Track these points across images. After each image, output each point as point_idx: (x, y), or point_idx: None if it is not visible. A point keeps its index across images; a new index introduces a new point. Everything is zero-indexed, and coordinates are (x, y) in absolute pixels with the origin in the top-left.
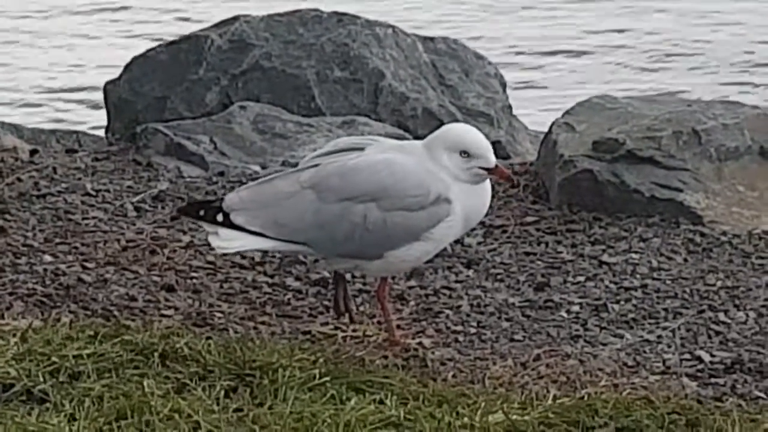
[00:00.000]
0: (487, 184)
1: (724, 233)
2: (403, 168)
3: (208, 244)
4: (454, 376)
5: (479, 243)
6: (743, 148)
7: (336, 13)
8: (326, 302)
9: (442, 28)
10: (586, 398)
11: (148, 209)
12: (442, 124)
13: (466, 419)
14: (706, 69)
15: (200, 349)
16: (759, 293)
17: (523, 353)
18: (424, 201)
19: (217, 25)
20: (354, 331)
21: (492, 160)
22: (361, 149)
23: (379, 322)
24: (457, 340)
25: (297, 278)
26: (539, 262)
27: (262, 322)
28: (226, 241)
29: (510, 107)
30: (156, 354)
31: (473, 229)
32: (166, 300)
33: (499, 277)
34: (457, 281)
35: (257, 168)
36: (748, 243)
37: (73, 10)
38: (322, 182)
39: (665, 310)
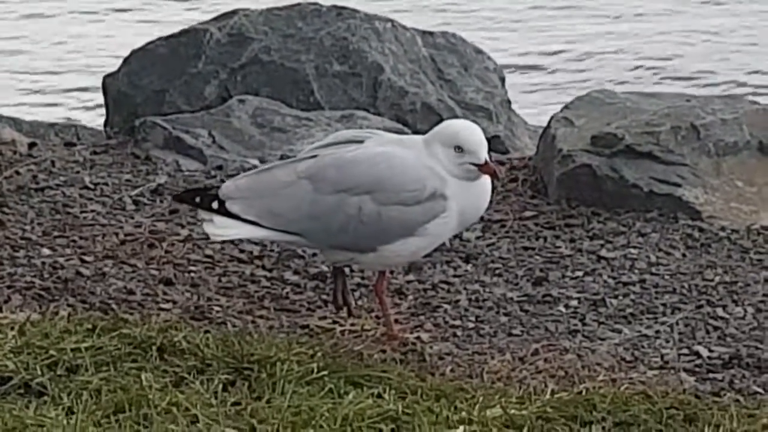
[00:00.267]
0: (487, 183)
1: (723, 228)
2: (400, 162)
3: (205, 235)
4: (452, 370)
5: (478, 237)
6: (742, 143)
7: (335, 6)
8: (324, 296)
9: (442, 23)
10: (584, 393)
11: (146, 203)
12: (441, 118)
13: (464, 413)
14: (705, 68)
15: (198, 342)
16: (757, 288)
17: (521, 348)
18: (420, 196)
19: (216, 19)
20: (352, 325)
21: (482, 157)
22: (361, 142)
23: (377, 317)
24: (455, 335)
25: (295, 272)
26: (538, 257)
27: (261, 316)
28: (220, 229)
29: (509, 102)
30: (154, 347)
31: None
32: (165, 293)
33: (497, 271)
34: (455, 276)
35: (256, 162)
36: (746, 238)
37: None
38: (318, 173)
39: (663, 305)
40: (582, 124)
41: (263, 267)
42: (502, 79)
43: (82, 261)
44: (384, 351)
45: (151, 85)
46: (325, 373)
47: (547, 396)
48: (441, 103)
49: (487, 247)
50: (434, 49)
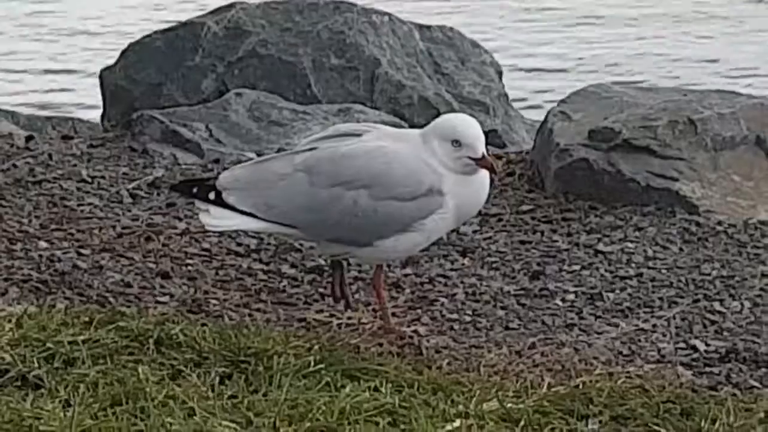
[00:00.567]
0: (485, 179)
1: (720, 223)
2: (396, 157)
3: (202, 227)
4: (449, 363)
5: (475, 231)
6: (739, 137)
7: (332, 0)
8: (321, 289)
9: (440, 17)
10: (580, 386)
11: (143, 196)
12: (438, 112)
13: (460, 407)
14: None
15: (195, 335)
16: (754, 283)
17: (518, 341)
18: (416, 191)
19: (213, 12)
20: (349, 318)
21: (479, 150)
22: (359, 135)
23: (374, 310)
24: (452, 328)
25: (292, 265)
26: (534, 251)
27: (257, 309)
28: (217, 220)
29: (506, 96)
30: (151, 340)
31: None
32: (162, 287)
33: (494, 265)
34: (452, 269)
35: (253, 155)
36: (743, 232)
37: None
38: (315, 166)
39: (660, 299)
40: (579, 118)
41: (260, 260)
42: (500, 73)
43: (79, 254)
44: (381, 344)
45: (149, 79)
46: (322, 366)
47: (544, 389)
48: (438, 96)
49: (484, 240)
50: (431, 43)
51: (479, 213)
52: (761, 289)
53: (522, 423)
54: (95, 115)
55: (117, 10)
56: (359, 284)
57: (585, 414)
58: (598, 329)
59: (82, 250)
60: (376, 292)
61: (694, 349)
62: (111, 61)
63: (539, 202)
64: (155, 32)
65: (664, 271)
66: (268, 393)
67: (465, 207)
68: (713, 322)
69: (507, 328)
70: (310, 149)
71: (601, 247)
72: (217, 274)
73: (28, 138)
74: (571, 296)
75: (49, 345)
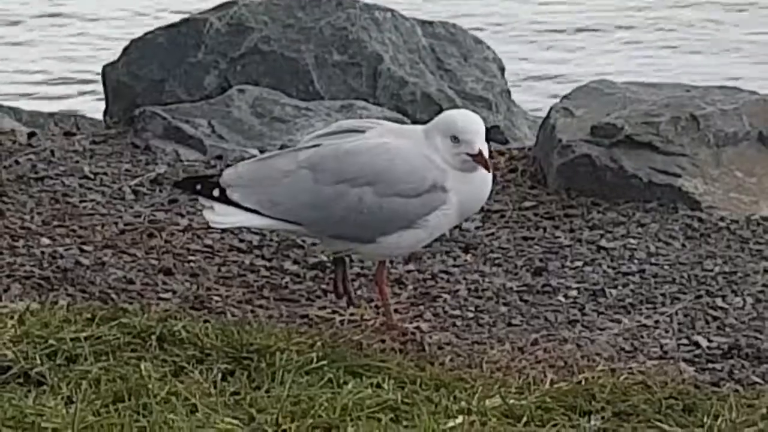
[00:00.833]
0: (487, 175)
1: (722, 219)
2: (399, 153)
3: (205, 223)
4: (451, 360)
5: (477, 228)
6: (742, 133)
7: None
8: (324, 286)
9: (442, 13)
10: (583, 383)
11: (146, 192)
12: (440, 108)
13: (463, 403)
14: (708, 55)
15: (197, 332)
16: (757, 279)
17: (520, 338)
18: (420, 188)
19: (215, 9)
20: (351, 315)
21: (475, 146)
22: (362, 132)
23: (376, 306)
24: (454, 325)
25: (295, 262)
26: (537, 247)
27: (260, 306)
28: (221, 216)
29: (509, 92)
30: (153, 337)
31: None
32: (164, 283)
33: (497, 261)
34: (455, 266)
35: (255, 152)
36: (746, 228)
37: None
38: (319, 163)
39: (663, 295)
40: (581, 114)
41: (263, 257)
42: (502, 69)
43: (82, 250)
44: (383, 341)
45: (151, 75)
46: (325, 362)
47: (547, 386)
48: (441, 93)
49: (486, 237)
50: (434, 39)
51: (482, 209)
52: (764, 285)
53: (524, 419)
54: (98, 112)
55: (119, 6)
56: (362, 281)
57: (587, 410)
58: (601, 325)
59: (85, 247)
60: (379, 289)
61: (697, 345)
62: (113, 58)
63: (542, 199)
64: (158, 28)
65: (666, 267)
66: (270, 389)
67: (468, 203)
68: (716, 318)
69: (509, 324)
70: (314, 146)
71: (603, 243)
72: (219, 270)
73: (31, 134)
74: (574, 292)
75: (51, 342)
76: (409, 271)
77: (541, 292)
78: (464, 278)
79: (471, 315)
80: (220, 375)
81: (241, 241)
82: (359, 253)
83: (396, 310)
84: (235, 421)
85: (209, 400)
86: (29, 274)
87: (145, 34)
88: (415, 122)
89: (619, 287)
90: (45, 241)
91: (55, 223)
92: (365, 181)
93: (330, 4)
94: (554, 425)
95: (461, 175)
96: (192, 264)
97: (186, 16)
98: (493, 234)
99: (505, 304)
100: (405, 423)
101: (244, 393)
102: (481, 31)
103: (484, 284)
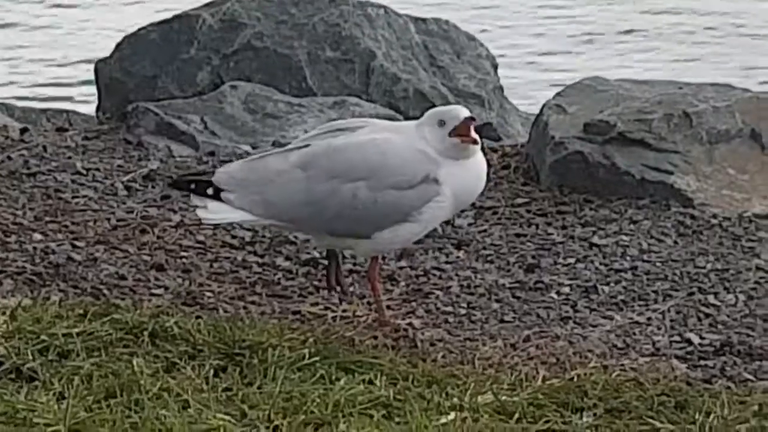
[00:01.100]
0: (481, 166)
1: (715, 216)
2: (390, 147)
3: (198, 220)
4: (443, 356)
5: (470, 224)
6: (734, 131)
7: None
8: (316, 282)
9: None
10: (575, 379)
11: (138, 188)
12: (433, 105)
13: (455, 400)
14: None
15: (190, 328)
16: (749, 276)
17: (512, 334)
18: (413, 180)
19: (208, 5)
20: (344, 311)
21: (460, 116)
22: (353, 131)
23: (369, 303)
24: (446, 321)
25: (287, 258)
26: (529, 244)
27: (252, 302)
28: (214, 214)
29: (501, 89)
30: (145, 333)
31: (463, 210)
32: (156, 279)
33: (489, 258)
34: (447, 262)
35: (248, 148)
36: (738, 226)
37: None
38: (310, 162)
39: (655, 292)
40: (574, 111)
41: (255, 253)
42: (495, 66)
43: (74, 246)
44: (376, 337)
45: (144, 71)
46: (317, 359)
47: (539, 382)
48: (433, 89)
49: (479, 233)
50: (427, 36)
51: (474, 206)
52: (756, 282)
53: (516, 416)
54: (90, 108)
55: (112, 1)
56: (354, 277)
57: (579, 407)
58: (593, 322)
59: (77, 243)
60: (371, 285)
61: (689, 342)
62: (106, 54)
63: (534, 195)
64: (150, 24)
65: (658, 264)
66: (262, 385)
67: (462, 194)
68: (708, 315)
69: (502, 321)
70: (305, 146)
71: (595, 240)
72: (211, 266)
73: (23, 130)
74: (566, 289)
75: (43, 337)
76: (401, 268)
77: (533, 288)
78: (456, 275)
79: (463, 311)
80: (212, 371)
81: (234, 237)
82: (353, 249)
83: (388, 307)
84: (227, 417)
85: (201, 396)
86: (21, 270)
87: (138, 30)
88: (407, 119)
89: (612, 284)
90: (37, 236)
91: (48, 218)
92: (358, 176)
93: (323, 0)
94: (546, 422)
95: (454, 167)
96: (184, 260)
97: (178, 12)
98: (485, 231)
99: (497, 301)
100: (397, 419)
101: (236, 389)
102: (472, 24)
103: (477, 281)
